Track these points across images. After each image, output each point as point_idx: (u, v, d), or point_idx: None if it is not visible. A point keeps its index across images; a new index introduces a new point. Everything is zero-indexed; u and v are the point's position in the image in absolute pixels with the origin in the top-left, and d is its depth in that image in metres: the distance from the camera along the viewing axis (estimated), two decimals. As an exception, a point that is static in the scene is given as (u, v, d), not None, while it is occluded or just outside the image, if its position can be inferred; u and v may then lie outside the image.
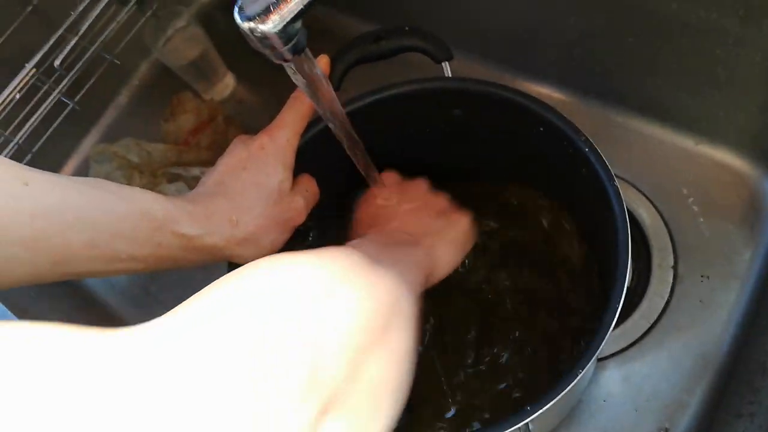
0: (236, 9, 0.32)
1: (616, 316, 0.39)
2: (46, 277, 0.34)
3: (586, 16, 0.57)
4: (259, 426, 0.18)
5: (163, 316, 0.21)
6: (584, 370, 0.37)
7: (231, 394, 0.18)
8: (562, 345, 0.52)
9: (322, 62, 0.45)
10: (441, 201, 0.50)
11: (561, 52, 0.61)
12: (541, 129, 0.45)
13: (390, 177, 0.52)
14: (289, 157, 0.44)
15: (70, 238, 0.33)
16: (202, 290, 0.23)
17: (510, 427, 0.37)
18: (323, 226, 0.54)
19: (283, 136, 0.44)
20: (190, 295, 0.60)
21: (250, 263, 0.24)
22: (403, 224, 0.47)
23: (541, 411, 0.37)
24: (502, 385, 0.50)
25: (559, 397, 0.37)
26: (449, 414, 0.51)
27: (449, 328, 0.54)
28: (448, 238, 0.45)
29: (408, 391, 0.27)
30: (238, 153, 0.43)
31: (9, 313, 0.47)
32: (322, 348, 0.21)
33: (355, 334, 0.23)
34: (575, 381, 0.37)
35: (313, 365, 0.21)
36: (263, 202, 0.42)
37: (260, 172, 0.43)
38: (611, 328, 0.38)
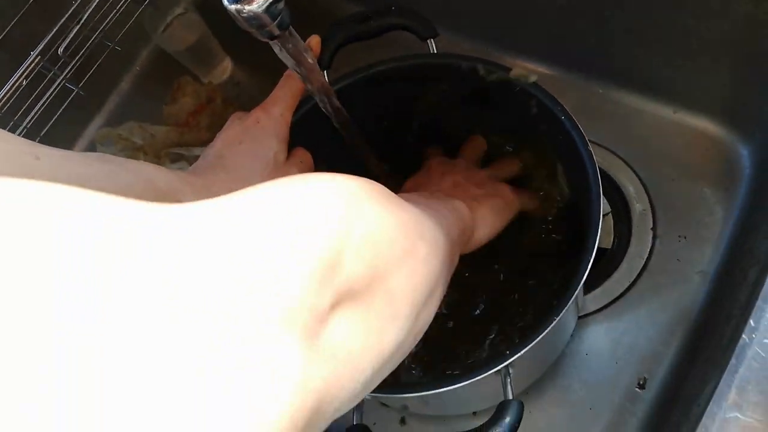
0: None
1: (590, 262, 0.41)
2: None
3: (565, -7, 0.59)
4: (272, 299, 0.18)
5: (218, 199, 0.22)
6: (559, 317, 0.41)
7: (249, 260, 0.18)
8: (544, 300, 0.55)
9: (313, 42, 0.48)
10: (482, 174, 0.52)
11: (541, 28, 0.64)
12: (521, 99, 0.48)
13: (434, 152, 0.54)
14: (283, 130, 0.47)
15: None
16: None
17: (490, 370, 0.40)
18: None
19: (276, 110, 0.47)
20: None
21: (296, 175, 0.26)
22: (447, 191, 0.48)
23: (518, 355, 0.40)
24: (491, 336, 0.53)
25: (534, 342, 0.40)
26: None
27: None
28: (490, 203, 0.47)
29: (430, 318, 0.29)
30: (235, 128, 0.46)
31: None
32: (346, 244, 0.22)
33: (379, 242, 0.24)
34: (550, 327, 0.40)
35: (335, 256, 0.21)
36: (259, 172, 0.45)
37: (256, 144, 0.45)
38: (585, 276, 0.41)
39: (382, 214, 0.25)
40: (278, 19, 0.36)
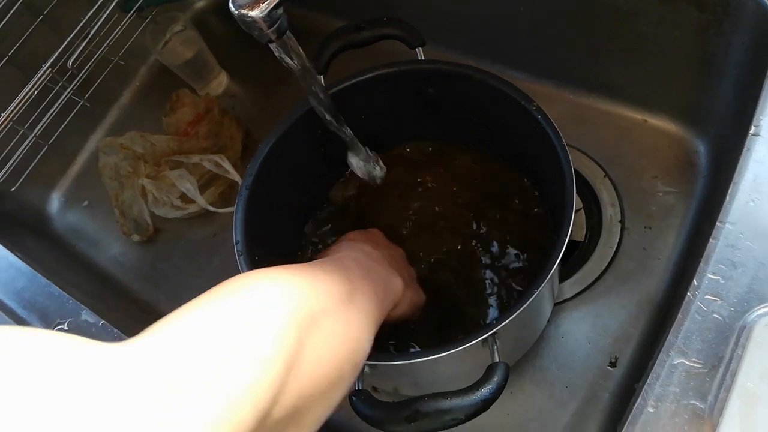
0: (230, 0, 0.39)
1: (566, 241, 0.46)
2: None
3: (533, 8, 0.65)
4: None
5: (146, 333, 0.25)
6: (539, 289, 0.44)
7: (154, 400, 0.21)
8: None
9: None
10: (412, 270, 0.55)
11: (514, 39, 0.70)
12: (499, 99, 0.53)
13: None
14: None
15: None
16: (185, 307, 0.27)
17: (479, 337, 0.44)
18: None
19: None
20: (193, 271, 0.69)
21: (242, 278, 0.30)
22: (391, 263, 0.50)
23: (504, 324, 0.44)
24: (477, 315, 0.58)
25: (518, 312, 0.44)
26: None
27: (422, 263, 0.61)
28: (413, 289, 0.50)
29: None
30: None
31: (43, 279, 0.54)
32: (280, 392, 0.25)
33: (313, 382, 0.28)
34: (532, 297, 0.44)
35: (267, 407, 0.25)
36: None
37: None
38: (562, 251, 0.45)
39: (328, 347, 0.29)
40: (277, 24, 0.41)
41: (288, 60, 0.44)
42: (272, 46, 0.43)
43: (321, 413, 0.30)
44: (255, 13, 0.40)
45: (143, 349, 0.23)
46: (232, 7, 0.40)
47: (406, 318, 0.49)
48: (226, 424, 0.22)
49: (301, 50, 0.46)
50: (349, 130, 0.54)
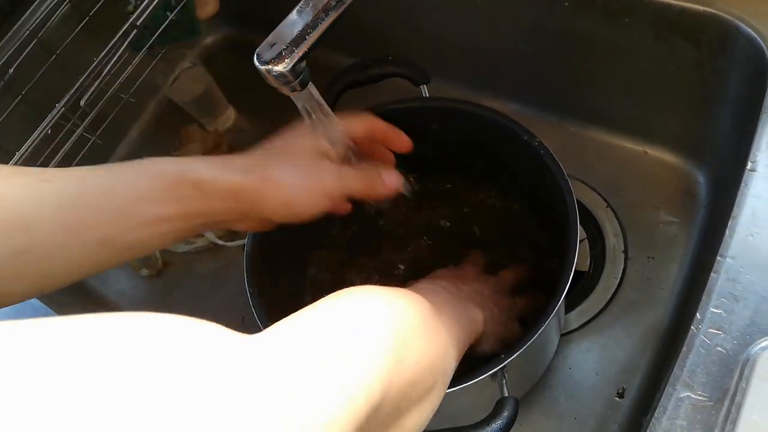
0: (255, 56, 0.41)
1: (571, 274, 0.47)
2: (102, 261, 0.38)
3: (534, 43, 0.67)
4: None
5: (270, 329, 0.25)
6: (546, 322, 0.45)
7: (280, 403, 0.21)
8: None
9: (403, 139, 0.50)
10: (506, 303, 0.54)
11: (516, 73, 0.71)
12: (502, 134, 0.55)
13: (475, 258, 0.60)
14: (339, 138, 0.46)
15: (99, 214, 0.37)
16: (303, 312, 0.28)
17: (488, 372, 0.45)
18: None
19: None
20: (201, 305, 0.69)
21: (344, 293, 0.30)
22: (477, 297, 0.50)
23: (513, 357, 0.45)
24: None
25: (526, 345, 0.45)
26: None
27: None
28: (499, 331, 0.50)
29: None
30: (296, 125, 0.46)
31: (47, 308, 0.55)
32: (388, 389, 0.26)
33: (413, 384, 0.28)
34: (540, 330, 0.45)
35: (378, 400, 0.25)
36: (295, 156, 0.44)
37: (304, 135, 0.45)
38: (567, 284, 0.46)
39: (423, 352, 0.30)
40: (300, 76, 0.42)
41: (308, 111, 0.46)
42: (294, 97, 0.45)
43: (417, 421, 0.30)
44: (280, 67, 0.41)
45: (268, 344, 0.24)
46: (257, 63, 0.41)
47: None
48: (344, 416, 0.23)
49: (323, 100, 0.47)
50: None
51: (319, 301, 0.29)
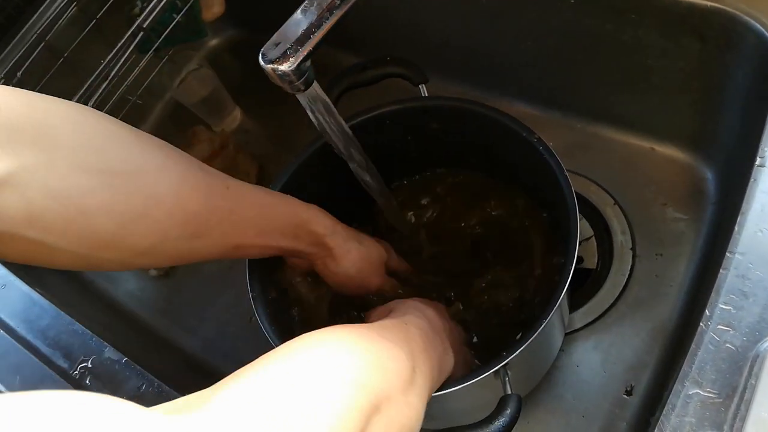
0: (260, 55, 0.41)
1: (572, 270, 0.46)
2: (223, 256, 0.45)
3: (539, 41, 0.67)
4: None
5: (203, 400, 0.25)
6: (548, 319, 0.45)
7: None
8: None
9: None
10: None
11: (520, 71, 0.71)
12: (501, 131, 0.55)
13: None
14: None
15: (248, 228, 0.46)
16: (244, 370, 0.28)
17: (490, 370, 0.44)
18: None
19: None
20: (208, 304, 0.73)
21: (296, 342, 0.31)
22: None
23: (515, 354, 0.44)
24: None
25: (527, 343, 0.45)
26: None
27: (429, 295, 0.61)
28: (463, 360, 0.52)
29: None
30: None
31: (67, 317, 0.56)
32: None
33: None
34: (541, 327, 0.45)
35: None
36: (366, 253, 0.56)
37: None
38: (568, 280, 0.46)
39: (385, 426, 0.29)
40: (305, 75, 0.43)
41: (312, 110, 0.46)
42: (299, 96, 0.45)
43: None
44: (285, 66, 0.41)
45: (201, 425, 0.23)
46: (262, 62, 0.41)
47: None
48: None
49: (328, 99, 0.47)
50: (373, 179, 0.56)
51: (272, 355, 0.29)
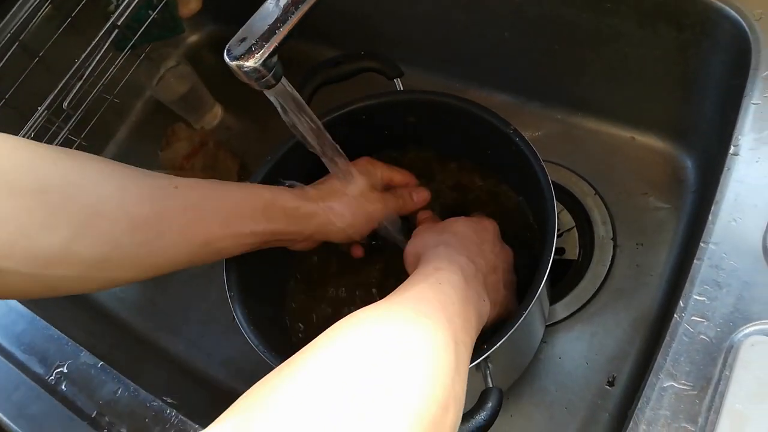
0: (225, 51, 0.40)
1: (549, 261, 0.46)
2: (198, 258, 0.46)
3: (517, 31, 0.66)
4: None
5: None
6: (527, 310, 0.45)
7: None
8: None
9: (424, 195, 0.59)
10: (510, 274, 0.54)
11: (497, 62, 0.71)
12: (477, 123, 0.54)
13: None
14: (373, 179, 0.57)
15: (210, 222, 0.45)
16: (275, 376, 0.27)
17: (470, 363, 0.44)
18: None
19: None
20: (192, 304, 0.73)
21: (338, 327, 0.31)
22: (489, 276, 0.49)
23: (495, 347, 0.44)
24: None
25: (508, 334, 0.45)
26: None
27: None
28: (499, 312, 0.49)
29: None
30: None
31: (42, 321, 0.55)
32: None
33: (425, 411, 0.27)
34: (521, 319, 0.45)
35: None
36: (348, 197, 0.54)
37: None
38: (547, 271, 0.46)
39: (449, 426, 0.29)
40: (272, 71, 0.42)
41: (282, 107, 0.45)
42: (268, 93, 0.44)
43: None
44: (251, 63, 0.40)
45: None
46: (227, 59, 0.40)
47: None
48: None
49: (298, 95, 0.46)
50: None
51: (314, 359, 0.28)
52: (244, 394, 0.26)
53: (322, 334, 0.30)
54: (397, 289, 0.40)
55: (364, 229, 0.56)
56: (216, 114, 0.87)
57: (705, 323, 0.39)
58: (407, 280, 0.42)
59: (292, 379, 0.26)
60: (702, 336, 0.39)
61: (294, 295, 0.62)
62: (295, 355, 0.29)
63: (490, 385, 0.45)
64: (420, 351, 0.30)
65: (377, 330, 0.30)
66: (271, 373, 0.27)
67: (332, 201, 0.53)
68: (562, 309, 0.64)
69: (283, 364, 0.28)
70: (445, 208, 0.64)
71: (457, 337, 0.35)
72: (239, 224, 0.47)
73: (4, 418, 0.50)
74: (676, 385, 0.38)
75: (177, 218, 0.43)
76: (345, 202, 0.54)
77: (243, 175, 0.81)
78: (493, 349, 0.45)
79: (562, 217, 0.69)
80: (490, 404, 0.43)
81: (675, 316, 0.39)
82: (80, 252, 0.37)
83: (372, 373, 0.26)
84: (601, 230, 0.67)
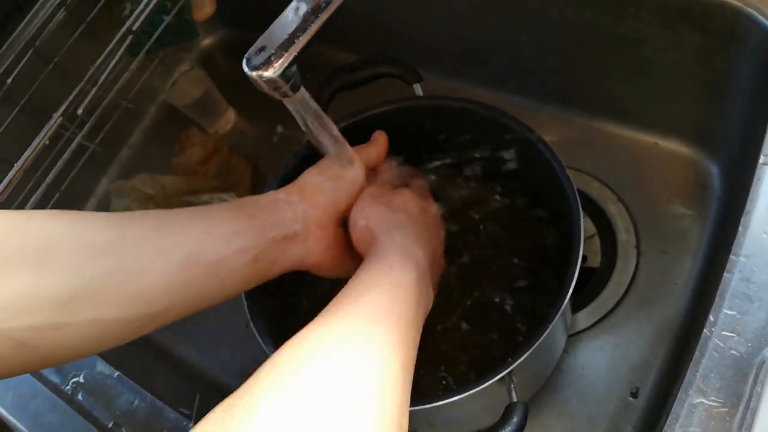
0: (244, 61, 0.39)
1: (575, 274, 0.45)
2: (194, 277, 0.41)
3: (537, 35, 0.65)
4: None
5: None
6: (553, 323, 0.44)
7: None
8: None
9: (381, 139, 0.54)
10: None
11: (516, 66, 0.69)
12: (499, 129, 0.53)
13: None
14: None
15: (189, 230, 0.40)
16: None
17: (496, 377, 0.43)
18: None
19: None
20: (207, 316, 0.68)
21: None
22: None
23: (521, 360, 0.43)
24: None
25: (533, 347, 0.44)
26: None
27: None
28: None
29: None
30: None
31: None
32: None
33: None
34: (546, 331, 0.44)
35: None
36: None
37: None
38: (573, 283, 0.45)
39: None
40: (291, 81, 0.41)
41: (301, 116, 0.44)
42: (287, 102, 0.43)
43: None
44: (269, 73, 0.40)
45: None
46: (246, 69, 0.40)
47: None
48: None
49: (316, 104, 0.45)
50: None
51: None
52: None
53: (283, 353, 0.30)
54: (353, 286, 0.37)
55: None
56: (229, 118, 0.87)
57: (736, 338, 0.38)
58: (362, 276, 0.39)
59: (255, 411, 0.26)
60: (732, 351, 0.38)
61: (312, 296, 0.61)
62: (252, 378, 0.29)
63: (515, 400, 0.44)
64: (377, 393, 0.30)
65: (337, 360, 0.30)
66: (223, 403, 0.27)
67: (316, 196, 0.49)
68: (584, 318, 0.63)
69: (239, 391, 0.28)
70: (464, 218, 0.63)
71: (406, 360, 0.34)
72: (221, 226, 0.42)
73: (21, 428, 0.50)
74: (706, 401, 0.37)
75: (146, 235, 0.38)
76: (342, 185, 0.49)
77: (256, 180, 0.81)
78: (518, 362, 0.44)
79: (584, 224, 0.67)
80: (515, 419, 0.42)
81: (705, 330, 0.38)
82: (40, 291, 0.33)
83: (334, 413, 0.27)
84: (624, 237, 0.66)
